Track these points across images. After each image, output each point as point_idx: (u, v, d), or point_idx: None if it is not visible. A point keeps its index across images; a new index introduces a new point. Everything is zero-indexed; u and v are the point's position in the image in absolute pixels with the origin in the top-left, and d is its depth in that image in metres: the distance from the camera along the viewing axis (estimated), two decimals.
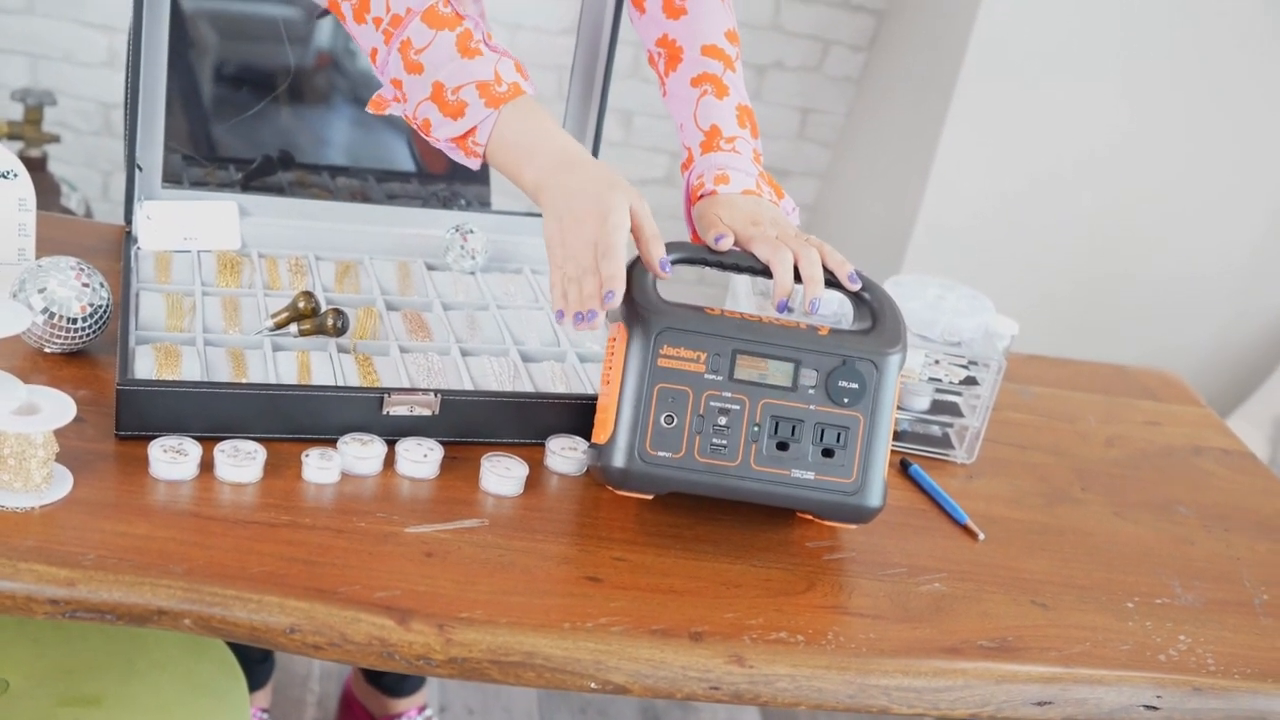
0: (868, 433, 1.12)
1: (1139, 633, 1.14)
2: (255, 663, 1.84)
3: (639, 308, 1.11)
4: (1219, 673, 1.11)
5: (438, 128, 1.15)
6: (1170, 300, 2.82)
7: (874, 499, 1.13)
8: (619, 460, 1.10)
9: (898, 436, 1.38)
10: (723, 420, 1.11)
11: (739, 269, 1.19)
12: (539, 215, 1.57)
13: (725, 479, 1.11)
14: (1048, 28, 2.51)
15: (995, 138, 2.58)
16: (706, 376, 1.11)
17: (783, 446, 1.12)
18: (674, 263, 1.16)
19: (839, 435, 1.12)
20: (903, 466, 1.34)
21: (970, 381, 1.37)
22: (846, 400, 1.12)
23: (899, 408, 1.38)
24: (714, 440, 1.11)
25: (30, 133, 2.60)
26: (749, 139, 1.28)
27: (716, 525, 1.16)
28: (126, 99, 1.39)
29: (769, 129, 3.04)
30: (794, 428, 1.12)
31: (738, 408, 1.11)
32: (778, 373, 1.12)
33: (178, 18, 1.38)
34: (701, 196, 1.25)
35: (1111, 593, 1.20)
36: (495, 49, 1.16)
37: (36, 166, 2.61)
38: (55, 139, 2.65)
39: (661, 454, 1.10)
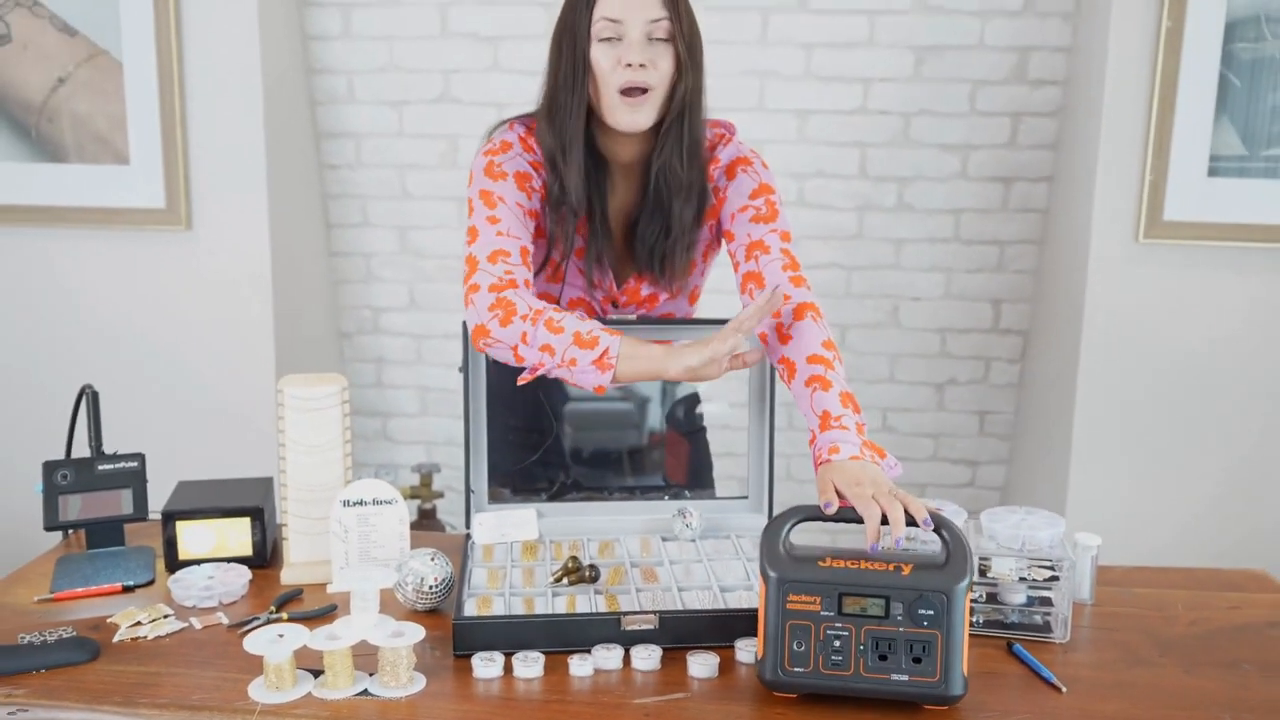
0: (945, 643, 1.31)
1: None
2: None
3: (771, 566, 1.34)
4: None
5: (581, 358, 1.51)
6: None
7: (955, 689, 1.30)
8: (768, 674, 1.33)
9: (1006, 626, 1.54)
10: (837, 643, 1.32)
11: (845, 521, 1.42)
12: (743, 498, 1.88)
13: (843, 683, 1.32)
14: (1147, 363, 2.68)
15: (1122, 421, 2.72)
16: (822, 613, 1.33)
17: (883, 658, 1.31)
18: (799, 522, 1.40)
19: (924, 647, 1.31)
20: (1008, 646, 1.50)
21: (1054, 579, 1.53)
22: (926, 623, 1.31)
23: (1001, 603, 1.55)
24: (832, 657, 1.32)
25: (424, 493, 3.13)
26: (852, 415, 1.52)
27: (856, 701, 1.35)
28: (465, 451, 1.81)
29: (955, 431, 3.25)
30: (890, 644, 1.31)
31: (847, 634, 1.32)
32: (874, 607, 1.32)
33: (493, 400, 1.81)
34: (821, 464, 1.51)
35: None
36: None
37: (429, 515, 3.12)
38: (440, 495, 3.16)
39: (796, 669, 1.32)
